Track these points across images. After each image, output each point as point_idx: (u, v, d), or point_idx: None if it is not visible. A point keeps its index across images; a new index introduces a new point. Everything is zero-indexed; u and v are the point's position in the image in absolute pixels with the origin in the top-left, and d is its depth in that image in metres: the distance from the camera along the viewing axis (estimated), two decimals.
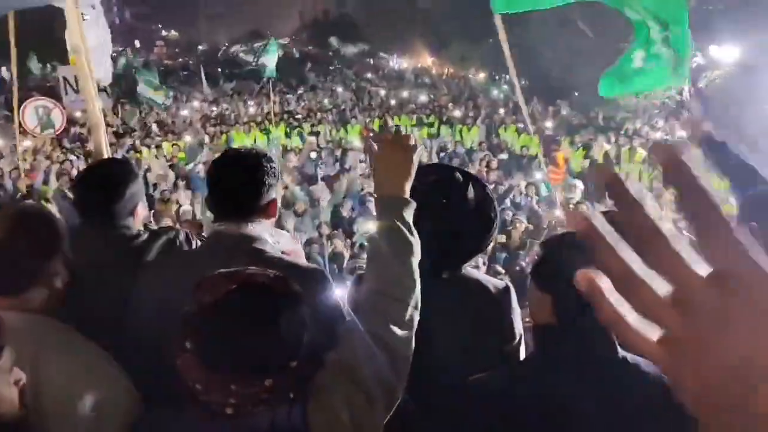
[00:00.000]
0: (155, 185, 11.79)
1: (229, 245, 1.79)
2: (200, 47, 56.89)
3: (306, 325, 1.24)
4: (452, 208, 1.80)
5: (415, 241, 1.48)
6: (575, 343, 1.58)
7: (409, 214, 1.49)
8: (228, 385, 1.17)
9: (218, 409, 1.19)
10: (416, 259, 1.48)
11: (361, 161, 12.63)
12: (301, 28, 55.10)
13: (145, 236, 2.15)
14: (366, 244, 1.56)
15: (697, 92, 15.11)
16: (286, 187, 10.44)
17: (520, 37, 19.29)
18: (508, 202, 9.88)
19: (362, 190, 10.49)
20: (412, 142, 1.54)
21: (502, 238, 8.27)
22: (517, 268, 6.46)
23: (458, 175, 1.89)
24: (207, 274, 1.28)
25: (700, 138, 2.95)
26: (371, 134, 1.61)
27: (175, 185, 11.33)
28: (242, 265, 1.31)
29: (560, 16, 16.88)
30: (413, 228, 1.49)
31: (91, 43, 3.42)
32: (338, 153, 14.13)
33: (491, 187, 10.83)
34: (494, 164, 12.40)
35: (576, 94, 19.16)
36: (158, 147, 14.89)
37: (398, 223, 1.46)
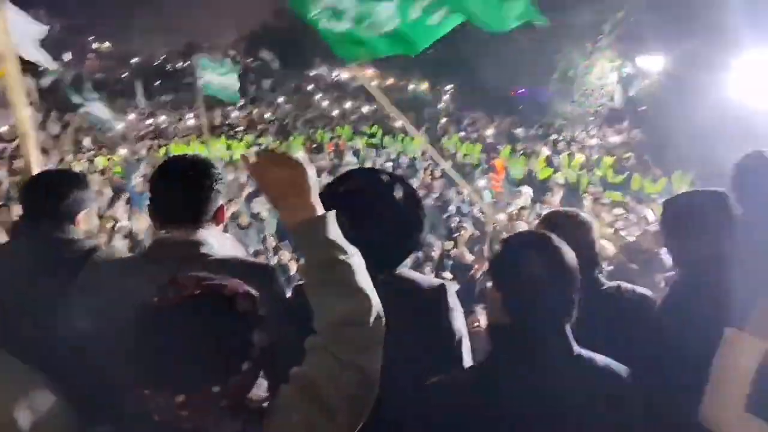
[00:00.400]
0: None
1: (177, 252, 1.73)
2: (134, 60, 55.39)
3: (254, 324, 1.18)
4: (381, 210, 1.79)
5: (352, 256, 1.33)
6: (529, 341, 1.58)
7: (331, 231, 1.32)
8: (173, 397, 1.11)
9: (169, 423, 1.13)
10: (360, 274, 1.33)
11: None
12: (239, 39, 54.41)
13: (83, 243, 2.08)
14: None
15: (628, 100, 15.77)
16: (230, 200, 10.21)
17: (460, 48, 19.70)
18: (453, 209, 9.97)
19: None
20: (291, 158, 1.37)
21: (449, 245, 8.33)
22: (468, 274, 6.50)
23: (384, 177, 1.88)
24: (153, 282, 1.21)
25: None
26: (246, 164, 1.46)
27: (112, 201, 10.94)
28: (191, 271, 1.25)
29: None
30: (342, 242, 1.33)
31: (18, 37, 3.24)
32: None
33: (436, 195, 10.97)
34: (438, 173, 12.51)
35: (515, 103, 19.65)
36: (91, 161, 14.36)
37: (324, 250, 1.30)
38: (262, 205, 10.28)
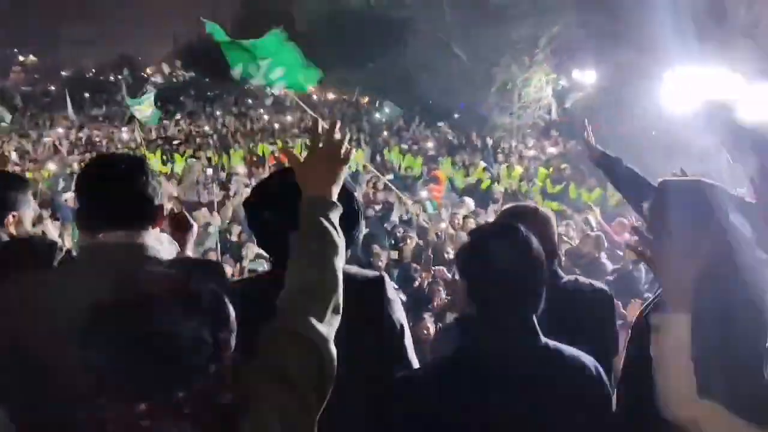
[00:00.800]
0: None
1: (118, 257, 1.58)
2: (64, 72, 53.36)
3: (220, 323, 1.08)
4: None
5: (341, 242, 1.45)
6: (496, 332, 1.55)
7: (335, 217, 1.46)
8: (134, 406, 0.99)
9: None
10: (341, 260, 1.44)
11: (246, 185, 12.29)
12: (175, 52, 53.30)
13: (8, 245, 1.94)
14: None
15: (563, 112, 16.29)
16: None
17: (401, 63, 19.94)
18: (397, 219, 9.98)
19: None
20: (346, 153, 1.53)
21: (395, 255, 8.33)
22: (415, 284, 6.49)
23: None
24: (93, 291, 1.07)
25: (595, 157, 3.07)
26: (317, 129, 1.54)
27: (41, 216, 10.41)
28: (137, 276, 1.13)
29: (436, 41, 17.60)
30: (339, 230, 1.46)
31: None
32: (223, 178, 13.70)
33: (379, 207, 10.98)
34: (380, 185, 12.55)
35: (455, 115, 19.98)
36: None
37: (326, 223, 1.43)
38: (206, 217, 10.03)
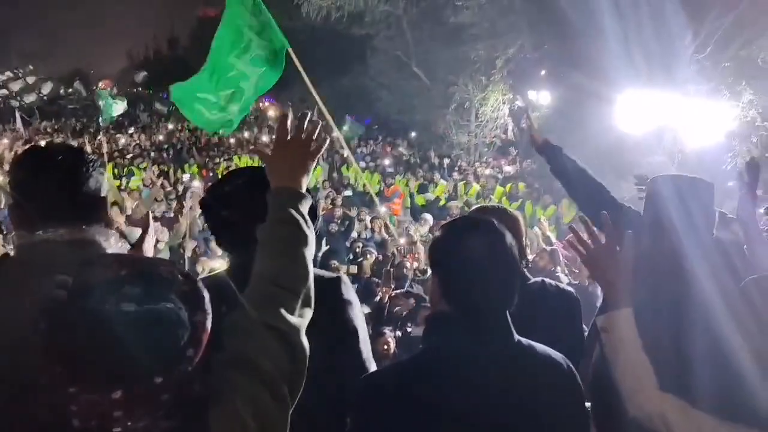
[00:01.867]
0: None
1: (60, 255, 1.45)
2: (12, 84, 51.54)
3: (196, 306, 1.02)
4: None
5: (311, 233, 1.42)
6: (469, 328, 1.52)
7: (305, 208, 1.44)
8: (108, 394, 0.92)
9: (91, 428, 0.93)
10: (310, 252, 1.41)
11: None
12: (129, 67, 52.36)
13: None
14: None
15: (519, 132, 16.61)
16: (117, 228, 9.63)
17: (360, 80, 20.04)
18: (355, 235, 9.96)
19: (203, 229, 10.05)
20: (317, 143, 1.50)
21: (354, 269, 8.29)
22: (376, 299, 6.44)
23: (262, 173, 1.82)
24: (39, 291, 0.99)
25: (538, 144, 3.13)
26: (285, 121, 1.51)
27: None
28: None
29: (396, 60, 17.77)
30: (309, 220, 1.43)
31: None
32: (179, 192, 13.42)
33: (338, 222, 10.92)
34: (339, 201, 12.54)
35: (413, 133, 20.14)
36: None
37: (294, 213, 1.40)
38: (160, 232, 9.76)
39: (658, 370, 1.62)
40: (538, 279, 2.30)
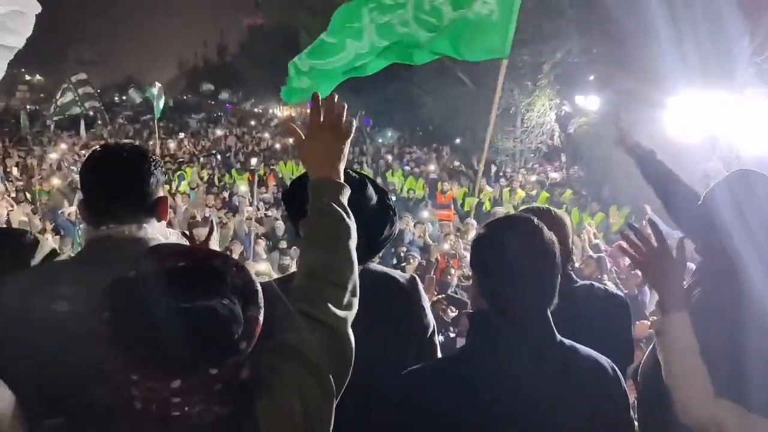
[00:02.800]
0: None
1: (121, 250, 1.52)
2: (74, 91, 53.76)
3: (250, 300, 1.04)
4: (354, 207, 1.72)
5: (352, 224, 1.43)
6: (510, 327, 1.49)
7: (345, 198, 1.44)
8: (168, 382, 0.96)
9: (150, 412, 0.98)
10: (353, 242, 1.41)
11: (249, 204, 12.29)
12: (179, 75, 53.84)
13: None
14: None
15: (566, 137, 16.32)
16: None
17: (405, 87, 20.07)
18: (408, 239, 9.95)
19: (248, 233, 10.23)
20: (346, 125, 1.49)
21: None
22: None
23: (354, 175, 1.85)
24: (100, 285, 1.04)
25: (629, 146, 2.94)
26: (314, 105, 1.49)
27: (42, 231, 10.39)
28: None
29: (440, 66, 17.71)
30: (350, 211, 1.43)
31: None
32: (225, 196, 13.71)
33: None
34: None
35: (457, 139, 20.03)
36: (20, 191, 13.63)
37: (335, 206, 1.40)
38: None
39: (713, 375, 1.55)
40: (587, 282, 2.25)
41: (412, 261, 8.36)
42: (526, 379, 1.46)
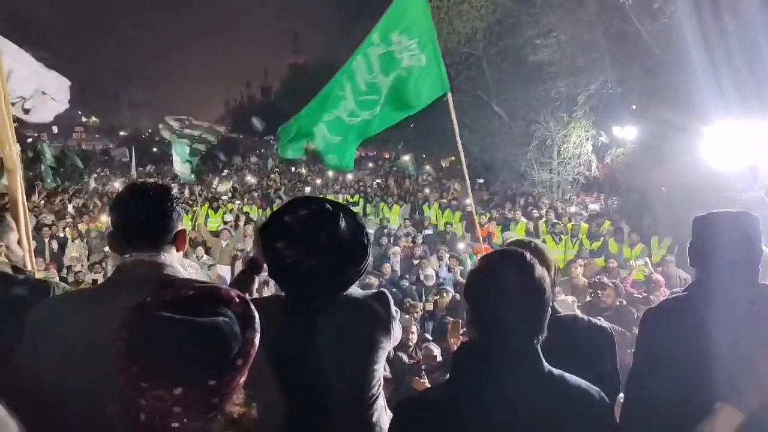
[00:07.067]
0: (69, 267, 11.26)
1: (141, 274, 1.74)
2: (122, 132, 56.15)
3: (248, 325, 1.20)
4: (326, 238, 1.81)
5: None
6: (499, 357, 1.56)
7: None
8: (171, 390, 1.11)
9: (154, 425, 1.12)
10: None
11: None
12: (225, 114, 55.49)
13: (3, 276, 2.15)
14: None
15: (603, 168, 16.15)
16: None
17: (442, 120, 20.25)
18: (431, 272, 9.80)
19: None
20: None
21: (430, 306, 8.32)
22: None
23: (327, 206, 1.88)
24: (117, 305, 1.23)
25: None
26: None
27: (91, 267, 10.84)
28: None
29: (477, 100, 17.88)
30: None
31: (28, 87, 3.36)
32: None
33: (416, 262, 10.97)
34: (419, 239, 12.65)
35: (494, 172, 20.02)
36: (72, 227, 14.25)
37: None
38: None
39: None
40: (571, 313, 2.30)
41: (445, 295, 8.36)
42: (515, 408, 1.52)
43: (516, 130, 17.18)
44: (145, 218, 1.80)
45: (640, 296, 7.72)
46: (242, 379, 1.21)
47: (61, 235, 13.30)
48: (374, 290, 1.99)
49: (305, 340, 1.79)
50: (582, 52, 13.57)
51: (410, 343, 6.41)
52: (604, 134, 15.20)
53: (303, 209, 1.84)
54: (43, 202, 18.44)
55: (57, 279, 9.09)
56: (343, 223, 1.83)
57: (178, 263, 1.86)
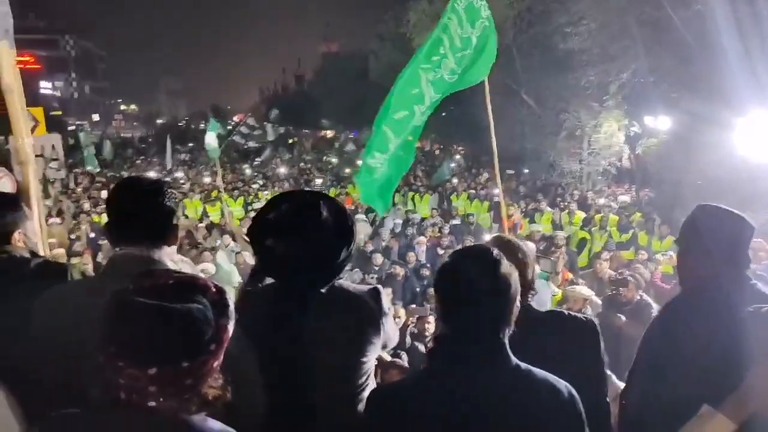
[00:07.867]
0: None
1: (132, 268, 1.74)
2: (159, 120, 57.26)
3: (222, 313, 1.29)
4: (309, 229, 1.84)
5: None
6: (466, 350, 1.60)
7: None
8: (146, 369, 1.20)
9: (134, 402, 1.22)
10: None
11: None
12: (259, 102, 55.98)
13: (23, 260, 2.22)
14: None
15: (635, 158, 15.84)
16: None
17: (470, 109, 20.11)
18: None
19: None
20: None
21: None
22: None
23: (309, 197, 1.92)
24: (109, 293, 1.29)
25: None
26: None
27: None
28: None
29: (505, 89, 17.68)
30: None
31: None
32: None
33: (442, 252, 10.99)
34: (446, 229, 12.64)
35: (522, 162, 19.81)
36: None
37: None
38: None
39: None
40: (553, 309, 2.31)
41: None
42: (481, 400, 1.56)
43: (545, 120, 16.96)
44: (136, 212, 1.85)
45: (669, 288, 7.59)
46: (216, 363, 1.29)
47: (97, 221, 13.66)
48: (368, 286, 2.03)
49: (295, 329, 1.84)
50: (613, 40, 13.29)
51: (427, 333, 6.47)
52: (636, 124, 14.89)
53: (285, 204, 1.89)
54: (81, 189, 18.98)
55: (91, 265, 9.32)
56: (324, 211, 1.86)
57: (170, 257, 1.91)
